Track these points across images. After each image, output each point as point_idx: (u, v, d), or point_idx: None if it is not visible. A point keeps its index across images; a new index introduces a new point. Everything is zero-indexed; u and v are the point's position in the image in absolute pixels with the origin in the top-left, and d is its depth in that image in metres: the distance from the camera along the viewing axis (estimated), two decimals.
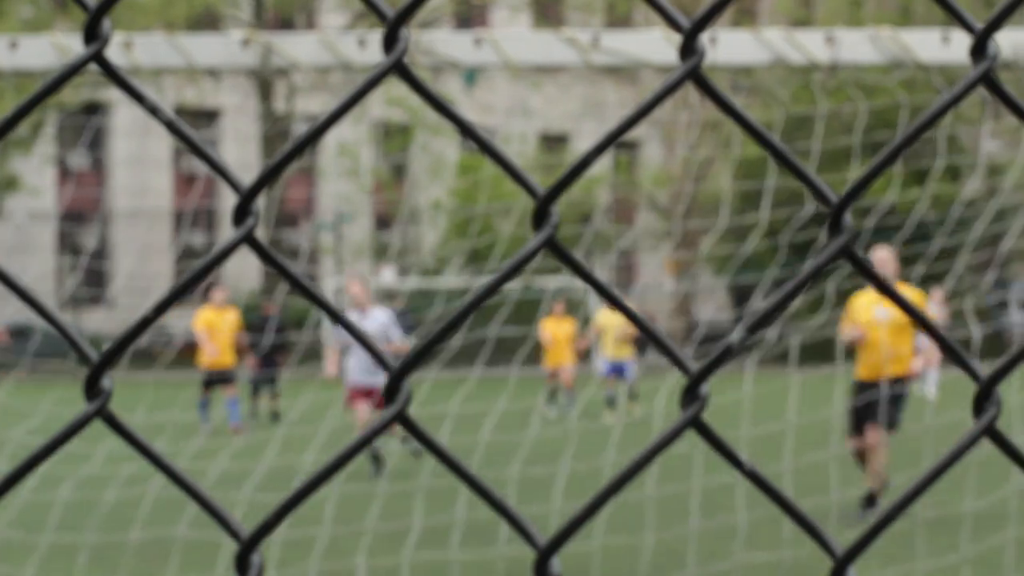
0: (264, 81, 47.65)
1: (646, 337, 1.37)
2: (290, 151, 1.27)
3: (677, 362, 1.33)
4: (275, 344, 25.88)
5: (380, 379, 16.50)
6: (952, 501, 12.98)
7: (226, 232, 54.37)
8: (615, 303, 1.36)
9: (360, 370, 16.91)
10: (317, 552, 10.96)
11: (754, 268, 38.78)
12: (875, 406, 12.55)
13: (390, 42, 1.27)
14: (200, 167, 54.63)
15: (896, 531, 11.29)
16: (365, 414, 16.74)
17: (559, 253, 1.31)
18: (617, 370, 25.20)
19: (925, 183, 38.38)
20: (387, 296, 53.44)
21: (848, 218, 1.33)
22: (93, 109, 51.30)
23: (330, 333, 18.20)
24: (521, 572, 10.43)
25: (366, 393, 16.86)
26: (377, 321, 16.95)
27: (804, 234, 16.36)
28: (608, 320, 25.48)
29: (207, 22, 44.33)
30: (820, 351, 17.90)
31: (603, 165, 50.66)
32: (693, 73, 1.30)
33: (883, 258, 12.71)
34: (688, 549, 10.99)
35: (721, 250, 42.84)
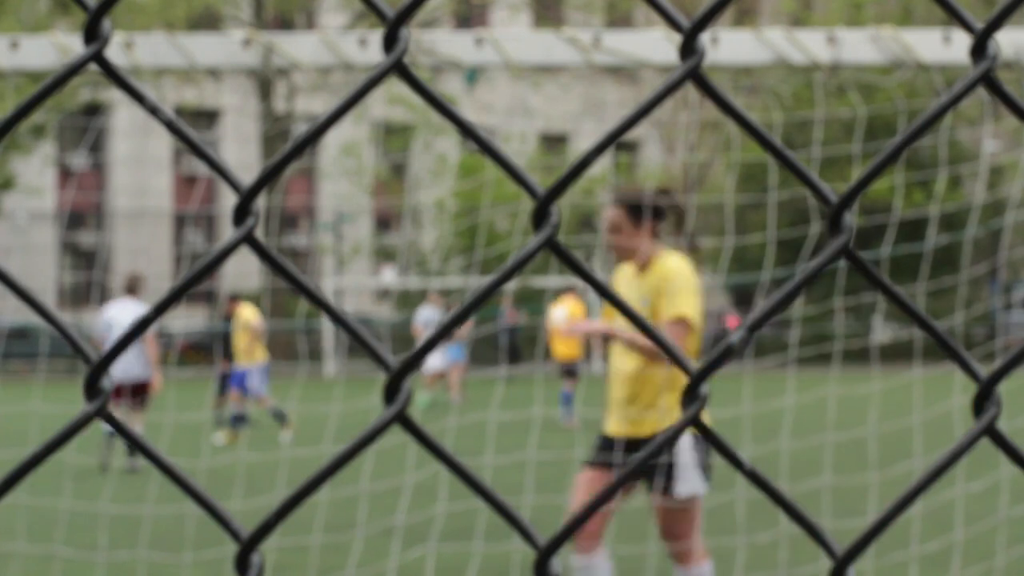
0: (264, 81, 47.65)
1: (649, 338, 1.37)
2: (290, 151, 1.27)
3: (678, 362, 1.34)
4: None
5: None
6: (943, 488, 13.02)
7: (226, 235, 54.41)
8: (615, 303, 1.36)
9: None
10: (314, 555, 10.97)
11: (754, 268, 38.78)
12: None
13: (390, 42, 1.27)
14: (200, 168, 54.64)
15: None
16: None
17: (559, 253, 1.31)
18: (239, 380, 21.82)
19: (928, 192, 38.42)
20: (385, 295, 53.52)
21: (848, 218, 1.33)
22: (93, 110, 51.33)
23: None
24: (501, 570, 10.44)
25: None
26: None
27: (801, 230, 16.39)
28: (246, 315, 22.14)
29: (207, 22, 44.33)
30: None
31: (603, 166, 50.66)
32: (693, 73, 1.30)
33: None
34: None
35: (722, 251, 42.78)
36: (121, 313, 17.71)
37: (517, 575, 10.35)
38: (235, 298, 22.04)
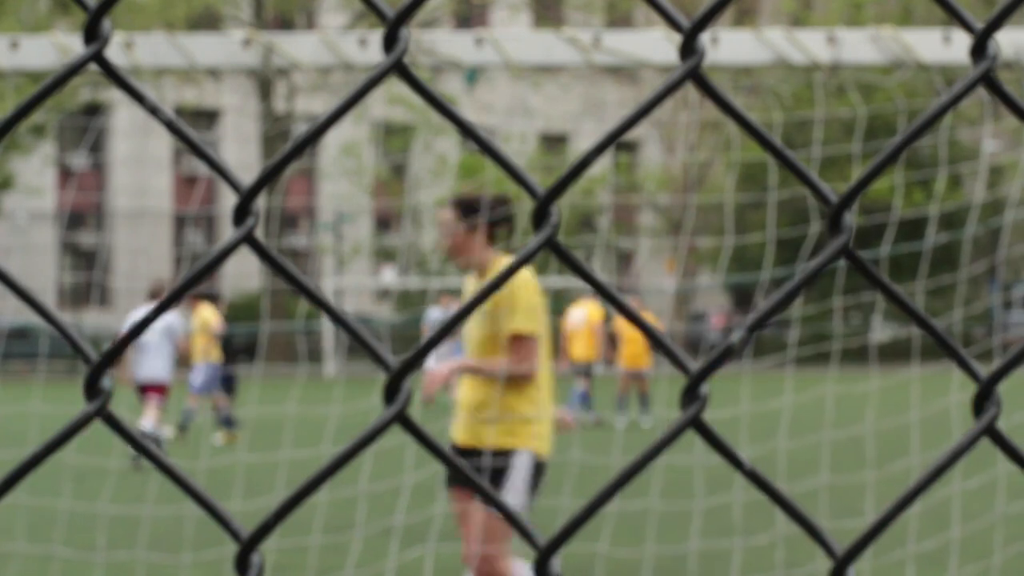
0: (264, 81, 47.66)
1: (648, 338, 1.37)
2: (290, 151, 1.27)
3: (677, 362, 1.34)
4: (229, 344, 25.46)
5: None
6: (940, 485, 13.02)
7: (226, 235, 54.41)
8: (615, 303, 1.36)
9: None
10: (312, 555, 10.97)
11: (753, 268, 38.79)
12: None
13: (390, 42, 1.27)
14: (200, 168, 54.63)
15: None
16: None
17: (559, 253, 1.31)
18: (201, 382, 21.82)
19: (928, 191, 38.45)
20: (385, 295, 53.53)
21: (848, 218, 1.33)
22: (93, 110, 51.32)
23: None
24: None
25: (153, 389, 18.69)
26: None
27: (801, 229, 16.39)
28: (209, 316, 21.93)
29: (207, 22, 44.33)
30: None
31: (603, 166, 50.66)
32: (693, 73, 1.30)
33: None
34: (688, 567, 11.00)
35: (722, 250, 42.81)
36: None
37: None
38: (197, 297, 21.95)
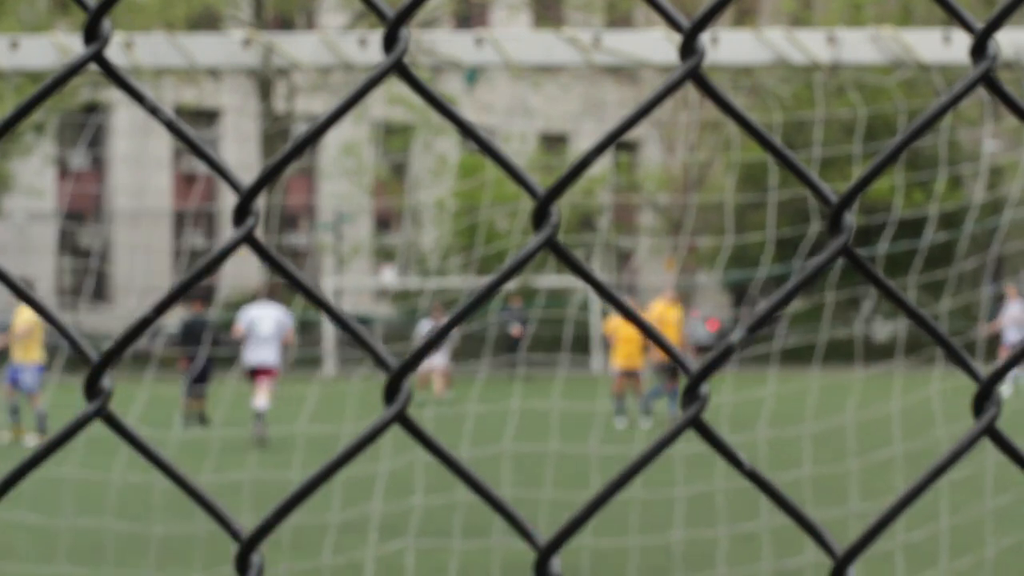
0: (264, 81, 47.65)
1: (648, 338, 1.37)
2: (290, 151, 1.27)
3: (678, 362, 1.34)
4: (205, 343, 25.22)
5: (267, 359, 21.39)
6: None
7: (226, 233, 54.38)
8: (615, 303, 1.36)
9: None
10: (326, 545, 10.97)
11: (753, 267, 38.76)
12: None
13: (390, 42, 1.27)
14: (200, 167, 54.60)
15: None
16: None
17: (559, 253, 1.31)
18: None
19: (928, 192, 38.46)
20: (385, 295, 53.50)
21: (848, 218, 1.33)
22: (93, 109, 51.29)
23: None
24: (510, 566, 10.43)
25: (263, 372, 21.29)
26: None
27: (801, 229, 16.40)
28: None
29: (207, 22, 44.32)
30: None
31: (603, 166, 50.64)
32: (693, 73, 1.30)
33: None
34: (673, 557, 11.01)
35: (721, 250, 42.79)
36: (261, 312, 21.62)
37: (497, 572, 10.35)
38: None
